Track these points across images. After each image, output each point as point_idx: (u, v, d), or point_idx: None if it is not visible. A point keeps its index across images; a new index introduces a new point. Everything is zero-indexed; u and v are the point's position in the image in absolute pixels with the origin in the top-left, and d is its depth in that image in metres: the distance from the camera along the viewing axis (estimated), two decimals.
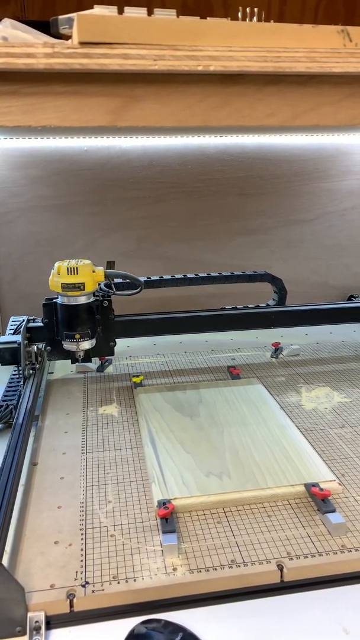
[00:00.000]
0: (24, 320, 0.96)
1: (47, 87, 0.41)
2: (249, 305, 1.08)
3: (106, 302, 0.92)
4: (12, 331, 1.08)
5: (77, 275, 0.85)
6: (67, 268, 0.84)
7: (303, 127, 0.47)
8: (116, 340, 0.96)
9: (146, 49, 0.39)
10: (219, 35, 0.40)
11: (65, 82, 0.41)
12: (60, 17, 0.42)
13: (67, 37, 0.43)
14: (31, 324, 0.95)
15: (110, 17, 0.40)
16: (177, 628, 0.48)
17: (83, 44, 0.39)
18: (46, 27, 0.48)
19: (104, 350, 0.96)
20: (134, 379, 0.97)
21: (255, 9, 0.47)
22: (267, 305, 1.11)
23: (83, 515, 0.63)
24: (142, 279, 0.96)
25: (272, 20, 0.44)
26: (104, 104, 0.42)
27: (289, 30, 0.41)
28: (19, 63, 0.38)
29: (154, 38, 0.39)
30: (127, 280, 0.94)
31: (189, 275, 1.05)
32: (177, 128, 0.44)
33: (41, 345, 0.96)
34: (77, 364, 1.00)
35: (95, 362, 1.03)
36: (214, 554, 0.56)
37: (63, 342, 0.90)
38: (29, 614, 0.49)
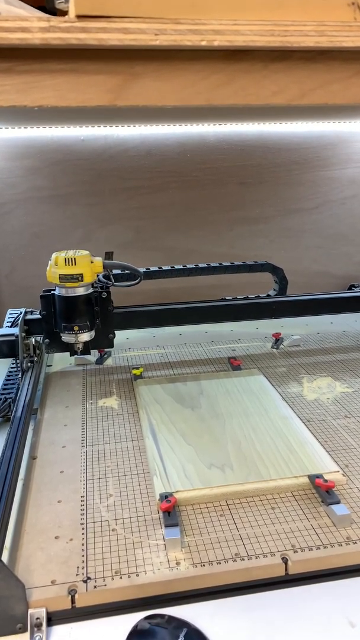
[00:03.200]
0: (21, 313, 0.95)
1: (43, 64, 0.39)
2: (250, 296, 1.07)
3: (105, 293, 0.90)
4: (9, 324, 1.06)
5: (75, 266, 0.83)
6: (65, 259, 0.83)
7: (311, 106, 0.45)
8: (115, 332, 0.95)
9: (147, 22, 0.37)
10: (223, 7, 0.38)
11: (61, 58, 0.39)
12: None
13: (64, 13, 0.41)
14: (29, 317, 0.94)
15: None
16: (181, 623, 0.48)
17: (80, 17, 0.37)
18: (42, 9, 0.46)
19: (103, 342, 0.94)
20: (134, 371, 0.96)
21: None
22: (268, 295, 1.10)
23: (84, 509, 0.62)
24: (141, 269, 0.95)
25: None
26: (103, 82, 0.40)
27: (296, 2, 0.39)
28: (12, 38, 0.36)
29: (155, 11, 0.38)
30: (126, 271, 0.93)
31: (188, 266, 1.04)
32: (179, 107, 0.42)
33: (39, 338, 0.94)
34: (75, 356, 0.99)
35: (94, 355, 1.02)
36: (217, 547, 0.55)
37: (61, 335, 0.89)
38: (30, 611, 0.48)
